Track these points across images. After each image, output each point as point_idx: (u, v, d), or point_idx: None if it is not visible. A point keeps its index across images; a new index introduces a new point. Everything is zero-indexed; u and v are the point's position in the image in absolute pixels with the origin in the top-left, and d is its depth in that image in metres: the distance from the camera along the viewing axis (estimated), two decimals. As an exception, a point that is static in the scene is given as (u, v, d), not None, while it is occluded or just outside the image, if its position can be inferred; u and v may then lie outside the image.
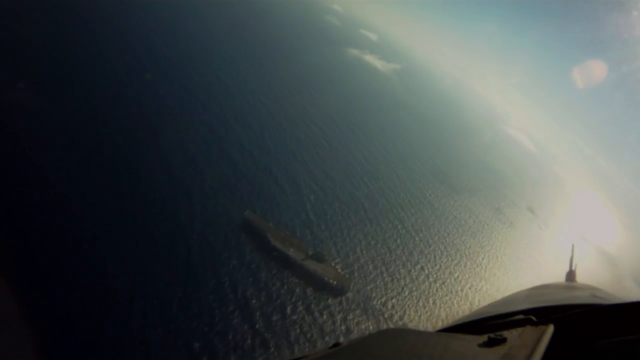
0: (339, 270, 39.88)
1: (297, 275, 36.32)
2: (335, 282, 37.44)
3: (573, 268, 8.36)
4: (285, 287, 34.70)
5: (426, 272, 51.08)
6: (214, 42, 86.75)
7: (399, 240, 53.43)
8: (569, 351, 2.19)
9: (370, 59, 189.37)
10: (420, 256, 53.68)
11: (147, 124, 45.84)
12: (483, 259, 68.11)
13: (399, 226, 57.81)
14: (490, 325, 2.46)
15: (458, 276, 55.66)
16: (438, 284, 50.37)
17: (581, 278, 7.92)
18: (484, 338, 1.84)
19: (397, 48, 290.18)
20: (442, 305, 47.17)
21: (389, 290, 42.84)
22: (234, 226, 37.92)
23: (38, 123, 36.49)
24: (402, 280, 45.76)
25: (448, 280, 53.06)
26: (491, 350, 1.73)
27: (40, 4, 57.04)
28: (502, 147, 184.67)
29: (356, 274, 41.35)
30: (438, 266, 54.49)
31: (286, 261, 36.96)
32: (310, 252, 39.09)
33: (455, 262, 59.48)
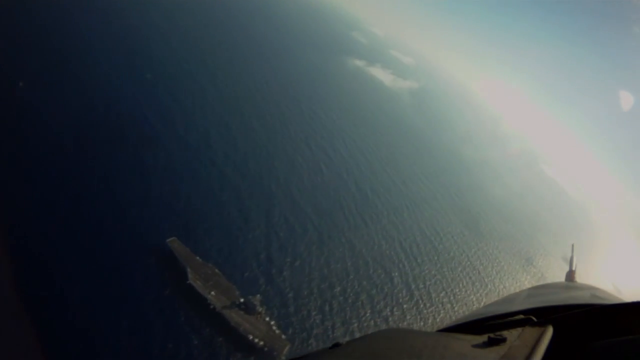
0: (274, 327, 30.88)
1: (217, 329, 28.10)
2: (261, 343, 28.88)
3: (573, 268, 7.45)
4: (199, 344, 26.39)
5: (418, 340, 40.50)
6: (215, 47, 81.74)
7: (389, 298, 43.16)
8: (569, 351, 2.19)
9: (388, 78, 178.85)
10: (414, 319, 43.22)
11: (107, 130, 40.17)
12: (499, 322, 56.16)
13: (397, 278, 47.52)
14: (490, 325, 2.42)
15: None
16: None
17: (581, 278, 6.85)
18: (484, 338, 1.84)
19: (435, 74, 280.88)
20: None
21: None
22: (160, 256, 30.40)
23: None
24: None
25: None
26: (491, 350, 1.72)
27: (40, 4, 56.37)
28: (540, 189, 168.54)
29: (312, 342, 31.80)
30: (436, 333, 43.62)
31: (202, 306, 28.81)
32: (241, 300, 30.69)
33: (460, 326, 48.21)
